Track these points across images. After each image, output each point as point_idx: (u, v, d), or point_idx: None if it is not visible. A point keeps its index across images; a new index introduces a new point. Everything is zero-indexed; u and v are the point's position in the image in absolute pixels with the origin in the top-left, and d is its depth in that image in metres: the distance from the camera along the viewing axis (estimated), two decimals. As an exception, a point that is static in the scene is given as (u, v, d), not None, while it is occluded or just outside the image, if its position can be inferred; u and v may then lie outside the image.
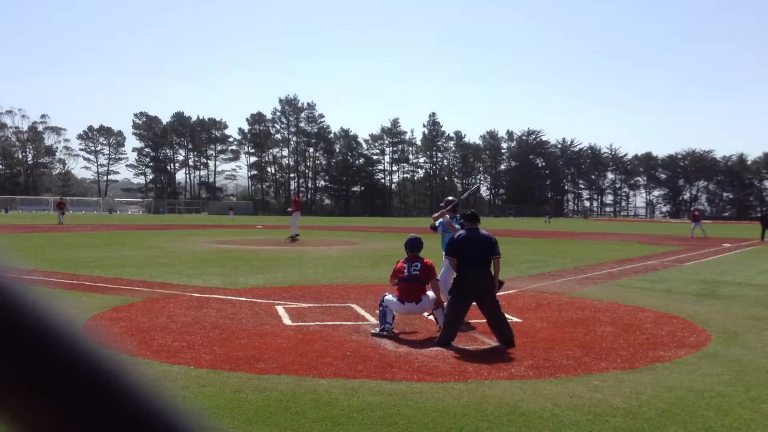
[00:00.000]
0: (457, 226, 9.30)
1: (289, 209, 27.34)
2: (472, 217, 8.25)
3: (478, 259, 7.81)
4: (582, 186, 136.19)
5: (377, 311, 8.47)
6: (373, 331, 8.17)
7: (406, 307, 8.21)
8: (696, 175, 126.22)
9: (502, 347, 7.48)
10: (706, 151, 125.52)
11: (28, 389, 0.41)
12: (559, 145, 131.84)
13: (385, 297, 8.29)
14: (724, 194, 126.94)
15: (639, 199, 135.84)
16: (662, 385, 5.96)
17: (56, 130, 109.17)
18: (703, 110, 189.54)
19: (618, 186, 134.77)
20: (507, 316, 9.54)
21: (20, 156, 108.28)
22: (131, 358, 6.68)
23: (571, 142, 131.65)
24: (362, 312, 9.65)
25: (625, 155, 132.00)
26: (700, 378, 6.27)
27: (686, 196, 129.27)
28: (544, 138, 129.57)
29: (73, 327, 0.43)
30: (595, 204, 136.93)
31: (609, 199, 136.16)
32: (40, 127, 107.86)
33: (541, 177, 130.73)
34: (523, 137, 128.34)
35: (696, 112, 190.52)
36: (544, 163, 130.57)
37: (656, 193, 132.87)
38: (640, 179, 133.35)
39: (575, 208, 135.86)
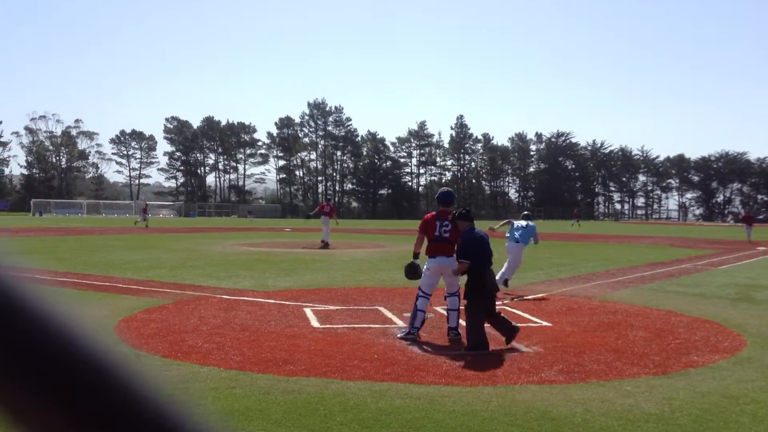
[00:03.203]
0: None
1: (325, 216, 26.48)
2: (468, 216, 8.11)
3: (489, 258, 7.82)
4: (613, 188, 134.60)
5: (405, 314, 8.45)
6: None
7: (438, 261, 8.16)
8: (730, 177, 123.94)
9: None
10: (740, 152, 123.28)
11: (33, 390, 0.41)
12: (590, 147, 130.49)
13: (419, 294, 8.21)
14: (759, 197, 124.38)
15: (671, 202, 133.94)
16: (696, 391, 5.85)
17: (89, 135, 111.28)
18: (737, 111, 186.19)
19: (650, 188, 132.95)
20: (536, 320, 9.50)
21: (54, 160, 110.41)
22: (162, 359, 6.77)
23: (602, 144, 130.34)
24: (389, 315, 9.64)
25: (657, 157, 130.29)
26: (734, 384, 6.15)
27: (719, 198, 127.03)
28: (573, 140, 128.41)
29: (79, 327, 0.44)
30: (626, 206, 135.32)
31: (640, 201, 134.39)
32: (74, 132, 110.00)
33: (571, 179, 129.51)
34: (553, 139, 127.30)
35: (730, 112, 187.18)
36: (573, 166, 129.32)
37: (689, 195, 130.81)
38: (673, 181, 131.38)
39: (606, 210, 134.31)
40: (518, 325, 8.04)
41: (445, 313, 8.58)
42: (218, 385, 5.82)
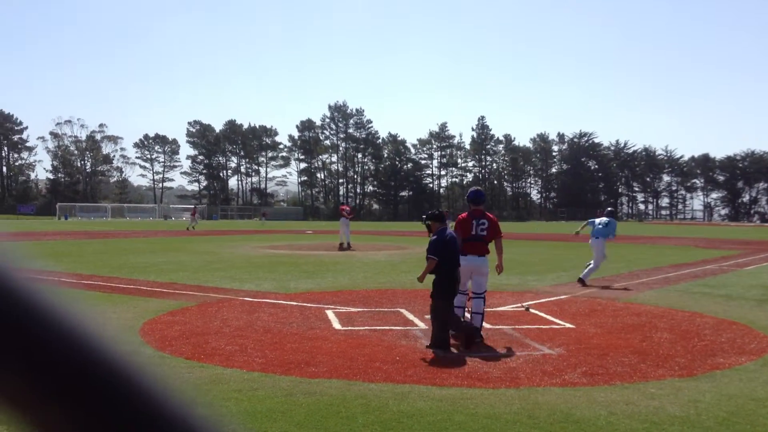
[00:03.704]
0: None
1: (346, 216, 26.58)
2: (440, 217, 8.13)
3: (457, 258, 7.85)
4: (636, 189, 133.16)
5: (427, 316, 8.42)
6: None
7: (469, 259, 8.21)
8: (756, 176, 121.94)
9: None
10: (766, 151, 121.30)
11: (45, 390, 0.42)
12: (612, 147, 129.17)
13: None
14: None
15: (696, 202, 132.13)
16: (722, 394, 5.77)
17: (113, 139, 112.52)
18: (763, 109, 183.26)
19: (674, 189, 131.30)
20: (559, 321, 9.43)
21: (79, 164, 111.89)
22: (186, 361, 6.83)
23: (625, 144, 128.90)
24: (411, 317, 9.63)
25: (681, 157, 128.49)
26: (761, 386, 6.05)
27: (745, 198, 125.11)
28: (596, 140, 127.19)
29: (91, 328, 0.44)
30: (650, 207, 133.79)
31: (665, 202, 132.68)
32: (98, 136, 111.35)
33: (594, 180, 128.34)
34: (575, 139, 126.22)
35: (755, 110, 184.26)
36: (596, 166, 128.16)
37: (714, 195, 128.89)
38: (697, 181, 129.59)
39: (630, 211, 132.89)
40: (539, 327, 7.98)
41: (468, 316, 8.54)
42: (241, 387, 5.86)
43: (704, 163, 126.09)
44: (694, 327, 9.11)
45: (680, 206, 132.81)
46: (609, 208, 15.80)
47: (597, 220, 14.85)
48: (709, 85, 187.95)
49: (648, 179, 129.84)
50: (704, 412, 5.25)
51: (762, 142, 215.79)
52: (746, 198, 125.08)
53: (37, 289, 0.43)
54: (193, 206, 56.63)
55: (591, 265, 14.23)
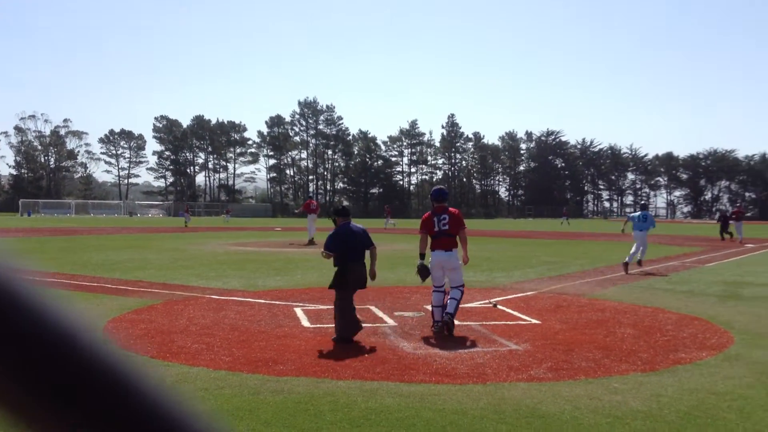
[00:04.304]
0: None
1: (312, 213, 26.82)
2: (344, 212, 8.38)
3: (357, 251, 8.03)
4: (602, 186, 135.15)
5: (396, 313, 8.46)
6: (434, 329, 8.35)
7: (436, 254, 8.51)
8: (718, 174, 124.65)
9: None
10: (728, 150, 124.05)
11: (43, 392, 0.42)
12: (579, 146, 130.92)
13: (433, 290, 8.58)
14: (747, 194, 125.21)
15: (660, 200, 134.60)
16: (683, 388, 5.89)
17: (78, 134, 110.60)
18: (724, 109, 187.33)
19: (638, 186, 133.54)
20: (525, 317, 9.53)
21: (43, 160, 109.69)
22: (151, 360, 6.75)
23: (591, 142, 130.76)
24: (380, 314, 9.65)
25: (646, 155, 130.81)
26: (722, 380, 6.20)
27: (708, 196, 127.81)
28: (563, 138, 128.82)
29: (89, 330, 0.44)
30: (615, 205, 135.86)
31: (629, 199, 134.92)
32: (62, 132, 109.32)
33: (561, 178, 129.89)
34: (543, 138, 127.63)
35: (718, 110, 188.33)
36: (563, 164, 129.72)
37: (677, 193, 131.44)
38: (661, 179, 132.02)
39: (595, 209, 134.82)
40: (506, 323, 8.07)
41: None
42: (207, 385, 5.81)
43: (668, 161, 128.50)
44: (656, 323, 9.28)
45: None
46: (642, 202, 19.60)
47: (635, 215, 17.44)
48: (673, 84, 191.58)
49: (613, 177, 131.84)
50: (666, 406, 5.36)
51: (724, 141, 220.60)
52: (708, 196, 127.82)
53: (27, 286, 0.43)
54: (186, 204, 58.35)
55: (634, 250, 16.64)
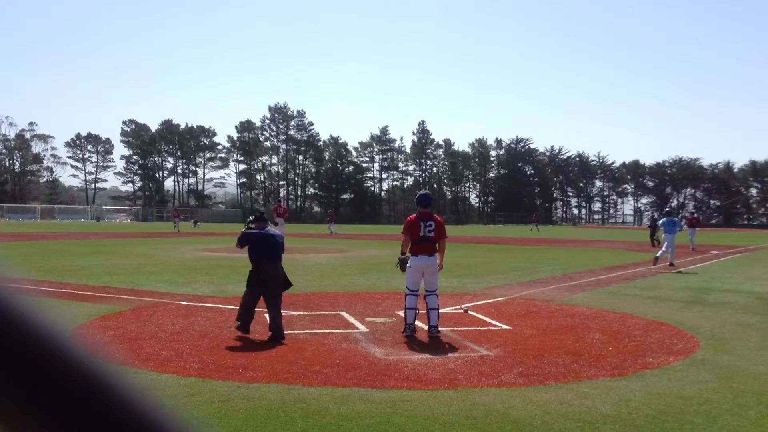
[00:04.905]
0: None
1: (277, 219, 27.02)
2: (262, 218, 8.86)
3: (271, 254, 8.49)
4: (570, 193, 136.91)
5: (368, 319, 8.46)
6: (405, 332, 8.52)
7: (420, 259, 8.67)
8: (683, 182, 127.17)
9: (274, 340, 7.98)
10: (693, 158, 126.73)
11: (21, 397, 0.41)
12: (548, 153, 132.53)
13: (407, 293, 8.71)
14: (711, 202, 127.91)
15: (627, 207, 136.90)
16: (651, 392, 5.98)
17: (44, 138, 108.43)
18: (690, 118, 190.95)
19: (606, 194, 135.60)
20: (496, 323, 9.59)
21: (7, 164, 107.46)
22: (119, 366, 6.63)
23: (560, 150, 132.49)
24: (352, 320, 9.62)
25: (613, 163, 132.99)
26: (688, 385, 6.30)
27: (674, 203, 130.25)
28: (532, 146, 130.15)
29: (65, 336, 0.43)
30: (583, 211, 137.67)
31: (597, 206, 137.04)
32: (28, 135, 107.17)
33: (530, 185, 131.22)
34: (512, 145, 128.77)
35: (683, 119, 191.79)
36: (532, 171, 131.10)
37: (644, 200, 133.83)
38: (628, 187, 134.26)
39: (564, 215, 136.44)
40: (477, 328, 8.10)
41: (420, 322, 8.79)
42: (177, 393, 5.73)
43: (634, 169, 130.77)
44: (624, 328, 9.41)
45: (611, 211, 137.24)
46: (666, 209, 27.22)
47: (663, 221, 21.44)
48: (639, 93, 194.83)
49: (581, 184, 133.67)
50: (635, 410, 5.43)
51: (690, 150, 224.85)
52: (674, 203, 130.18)
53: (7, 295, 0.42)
54: (176, 210, 59.30)
55: (663, 251, 20.29)
